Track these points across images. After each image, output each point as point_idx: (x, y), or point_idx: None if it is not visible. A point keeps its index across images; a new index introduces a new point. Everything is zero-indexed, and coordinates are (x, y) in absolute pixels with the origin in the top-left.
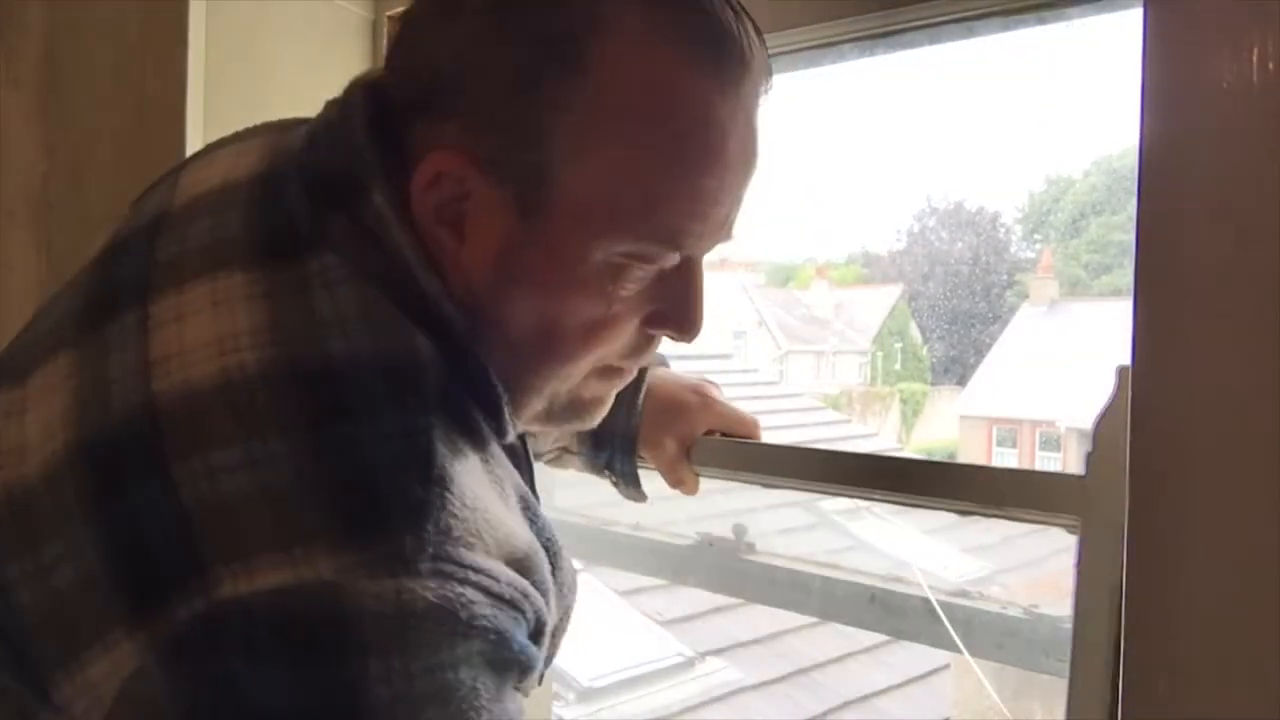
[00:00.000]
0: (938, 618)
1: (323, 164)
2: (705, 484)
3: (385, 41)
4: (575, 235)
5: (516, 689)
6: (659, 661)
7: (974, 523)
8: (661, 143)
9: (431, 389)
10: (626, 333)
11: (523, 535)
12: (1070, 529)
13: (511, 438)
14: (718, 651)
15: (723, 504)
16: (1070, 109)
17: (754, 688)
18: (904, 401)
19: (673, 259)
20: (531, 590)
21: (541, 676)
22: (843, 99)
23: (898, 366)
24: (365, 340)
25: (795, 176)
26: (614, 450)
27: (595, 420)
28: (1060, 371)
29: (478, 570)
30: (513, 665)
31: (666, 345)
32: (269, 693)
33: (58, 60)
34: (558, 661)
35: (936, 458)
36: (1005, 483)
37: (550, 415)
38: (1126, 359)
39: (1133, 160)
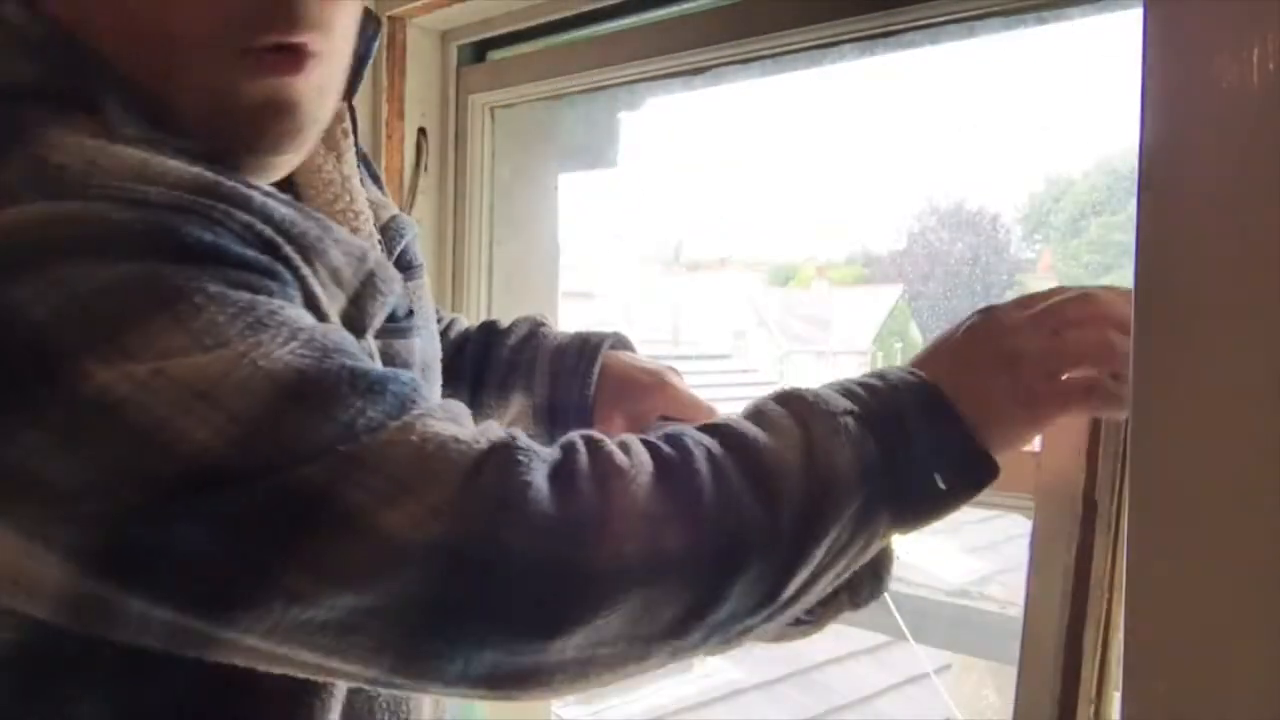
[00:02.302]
0: (923, 614)
1: None
2: None
3: (385, 42)
4: None
5: (262, 288)
6: None
7: (974, 523)
8: None
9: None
10: None
11: (195, 171)
12: (1026, 513)
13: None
14: None
15: None
16: (1070, 109)
17: (754, 688)
18: None
19: None
20: (219, 204)
21: (364, 314)
22: (843, 99)
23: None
24: None
25: (795, 176)
26: (570, 428)
27: (287, 131)
28: None
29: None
30: (200, 253)
31: (666, 347)
32: None
33: None
34: None
35: None
36: None
37: (224, 122)
38: None
39: (1133, 160)
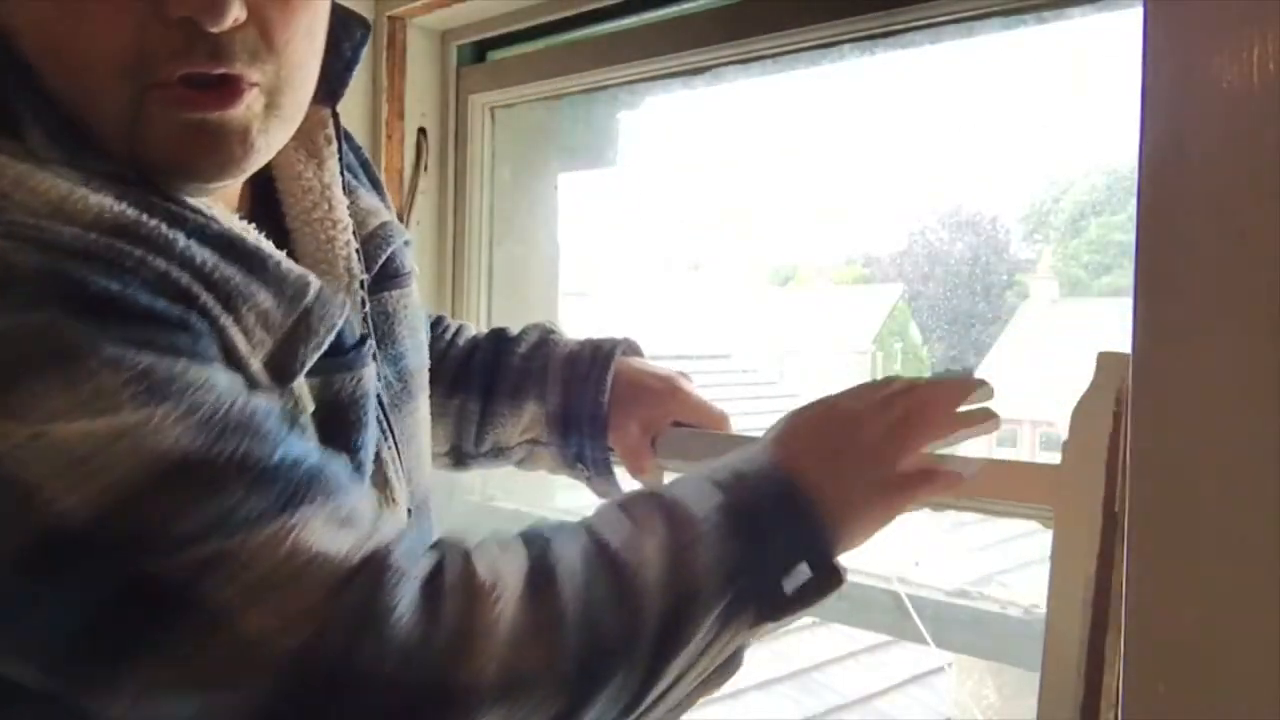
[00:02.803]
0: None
1: None
2: None
3: (385, 42)
4: None
5: (156, 344)
6: None
7: (974, 523)
8: None
9: None
10: (127, 26)
11: (118, 210)
12: (1045, 522)
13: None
14: None
15: None
16: (1070, 109)
17: (754, 688)
18: None
19: None
20: (134, 250)
21: (288, 371)
22: (843, 99)
23: (898, 366)
24: None
25: (795, 176)
26: (583, 436)
27: (219, 162)
28: (1060, 371)
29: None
30: (105, 306)
31: (666, 347)
32: None
33: None
34: None
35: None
36: (980, 473)
37: (145, 152)
38: None
39: (1133, 160)
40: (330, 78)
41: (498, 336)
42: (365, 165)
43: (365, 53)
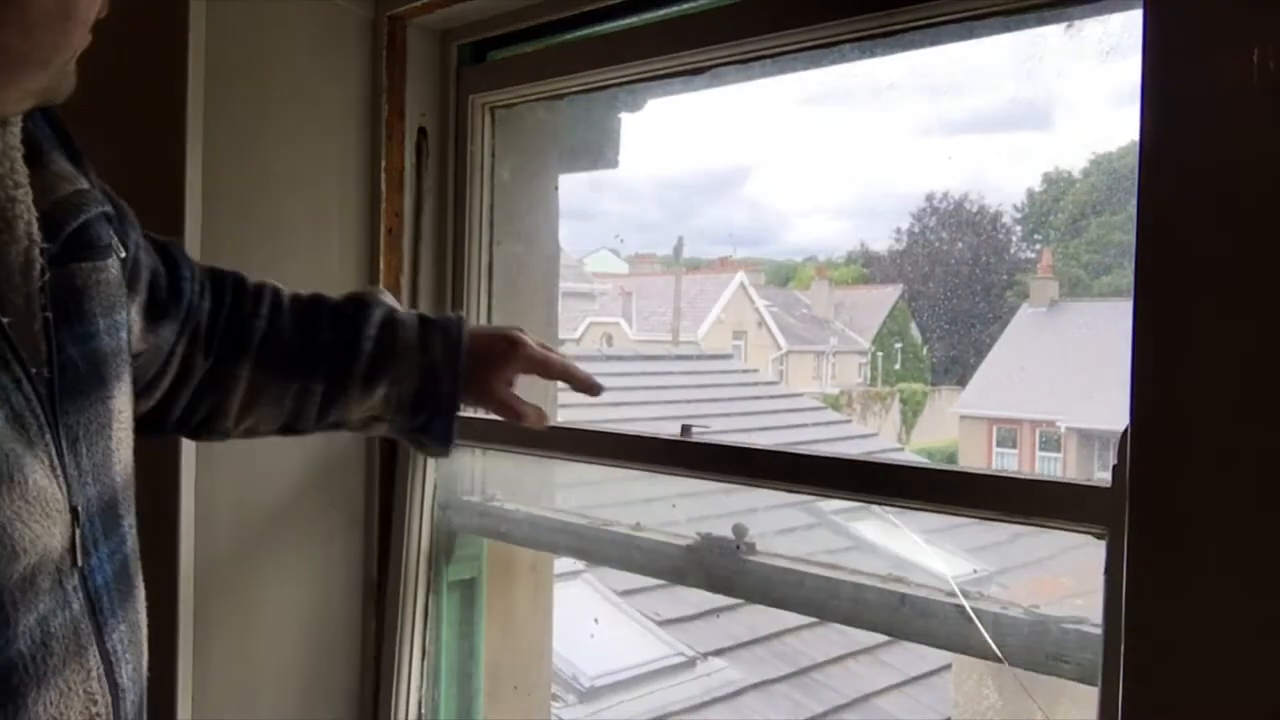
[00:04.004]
0: (945, 619)
1: None
2: (705, 485)
3: (385, 42)
4: None
5: None
6: (659, 661)
7: (974, 523)
8: None
9: None
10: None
11: None
12: (1098, 536)
13: None
14: (718, 651)
15: (723, 504)
16: (1070, 109)
17: (754, 688)
18: (904, 402)
19: None
20: None
21: None
22: (842, 99)
23: (898, 366)
24: None
25: (796, 176)
26: (433, 414)
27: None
28: (1060, 371)
29: None
30: None
31: (666, 347)
32: None
33: None
34: (557, 662)
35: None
36: (1033, 493)
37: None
38: (1126, 359)
39: (1133, 160)
40: None
41: (337, 315)
42: (66, 137)
43: (366, 51)
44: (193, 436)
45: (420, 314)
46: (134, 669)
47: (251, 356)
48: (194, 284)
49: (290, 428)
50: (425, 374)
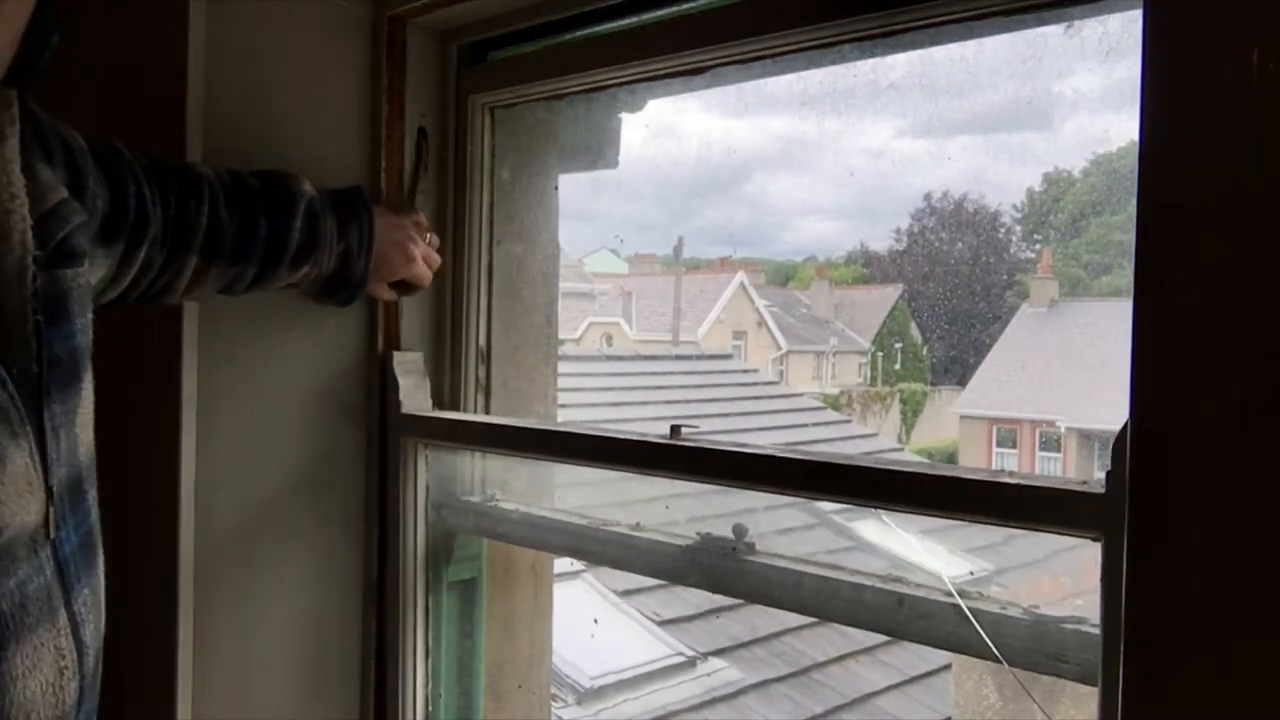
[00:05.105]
0: (944, 620)
1: None
2: (705, 486)
3: (385, 42)
4: None
5: None
6: (659, 661)
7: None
8: None
9: None
10: None
11: None
12: (1093, 539)
13: None
14: (718, 651)
15: (722, 504)
16: (1070, 109)
17: (754, 688)
18: (904, 401)
19: None
20: None
21: None
22: (843, 98)
23: (898, 366)
24: None
25: (796, 176)
26: (339, 289)
27: None
28: (1060, 371)
29: None
30: None
31: (666, 346)
32: None
33: (58, 61)
34: (557, 662)
35: (943, 464)
36: (1026, 497)
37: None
38: (1126, 359)
39: (1133, 160)
40: (19, 62)
41: (268, 204)
42: (40, 133)
43: (366, 51)
44: (140, 305)
45: (333, 198)
46: (95, 629)
47: (197, 249)
48: (143, 196)
49: (224, 292)
50: (341, 259)
